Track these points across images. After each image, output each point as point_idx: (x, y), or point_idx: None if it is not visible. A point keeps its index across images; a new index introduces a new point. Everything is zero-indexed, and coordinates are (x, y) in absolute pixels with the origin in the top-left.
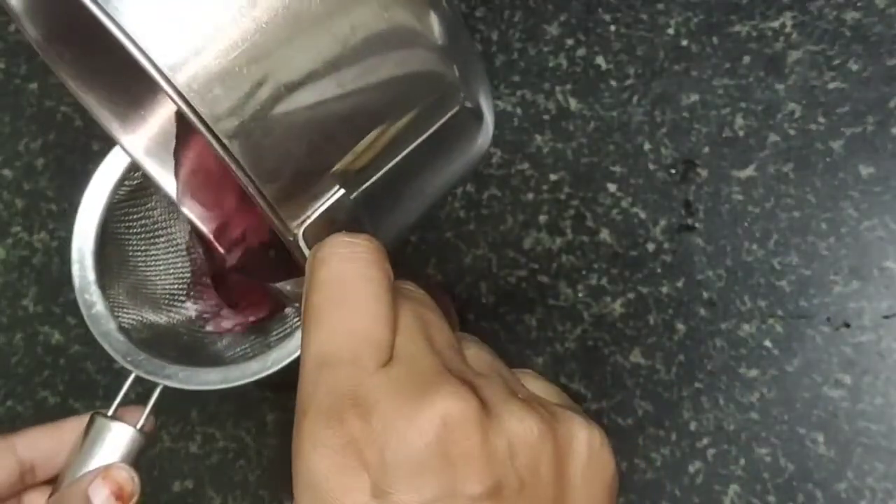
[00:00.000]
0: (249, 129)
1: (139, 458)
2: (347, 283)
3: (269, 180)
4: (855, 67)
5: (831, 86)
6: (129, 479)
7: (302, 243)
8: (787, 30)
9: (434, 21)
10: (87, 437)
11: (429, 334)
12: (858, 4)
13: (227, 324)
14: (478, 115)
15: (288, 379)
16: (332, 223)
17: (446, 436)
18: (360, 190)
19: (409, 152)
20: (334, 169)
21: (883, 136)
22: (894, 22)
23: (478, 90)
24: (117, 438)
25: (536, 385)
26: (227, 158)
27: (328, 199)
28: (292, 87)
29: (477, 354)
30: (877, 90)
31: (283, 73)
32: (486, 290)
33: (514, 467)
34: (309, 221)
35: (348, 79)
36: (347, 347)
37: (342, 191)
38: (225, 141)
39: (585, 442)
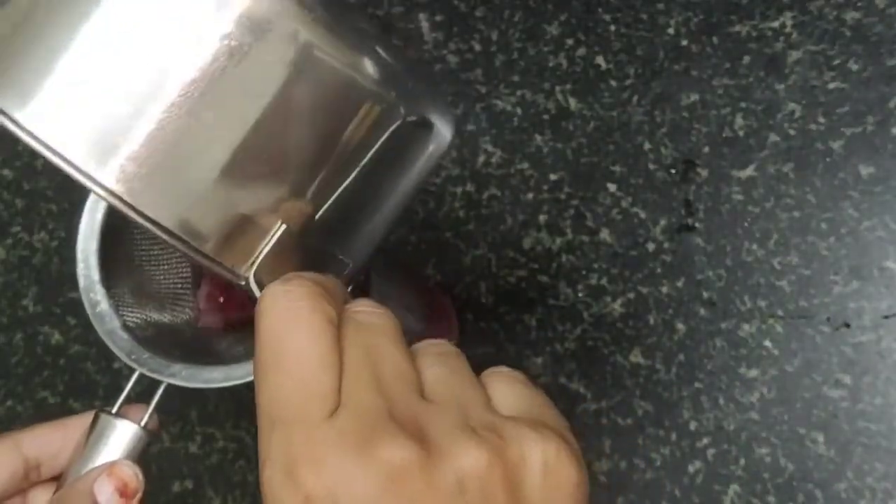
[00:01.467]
0: (175, 194)
1: (142, 456)
2: (285, 336)
3: (205, 238)
4: (855, 67)
5: (831, 86)
6: (133, 475)
7: (253, 286)
8: (787, 30)
9: (363, 64)
10: (92, 435)
11: (377, 370)
12: (858, 4)
13: (213, 320)
14: (424, 124)
15: None
16: (283, 257)
17: (392, 486)
18: (315, 217)
19: (356, 173)
20: (272, 208)
21: (883, 136)
22: (894, 22)
23: (421, 101)
24: (121, 436)
25: (503, 391)
26: (155, 229)
27: (273, 237)
28: (213, 151)
29: (435, 375)
30: (877, 90)
31: (203, 140)
32: (486, 290)
33: (466, 502)
34: (258, 262)
35: (273, 130)
36: (293, 404)
37: (284, 226)
38: (150, 213)
39: (539, 459)
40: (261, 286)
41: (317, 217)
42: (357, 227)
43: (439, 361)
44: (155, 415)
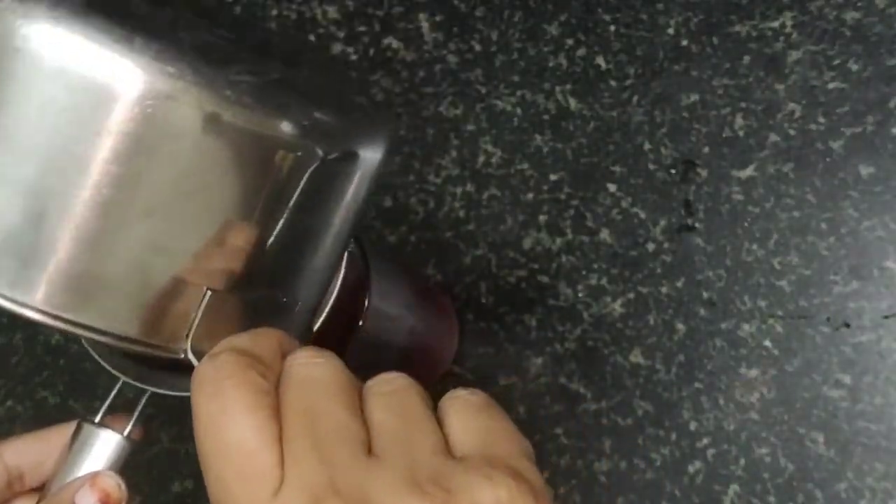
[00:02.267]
0: (88, 289)
1: (126, 465)
2: (218, 420)
3: (130, 323)
4: (855, 67)
5: (831, 86)
6: (115, 486)
7: (192, 358)
8: (787, 30)
9: (269, 120)
10: (74, 445)
11: (317, 434)
12: (858, 4)
13: None
14: (346, 156)
15: None
16: (221, 317)
17: None
18: (245, 273)
19: (281, 222)
20: (196, 276)
21: (883, 136)
22: (894, 22)
23: (341, 134)
24: (104, 446)
25: (460, 423)
26: (74, 330)
27: (201, 305)
28: (123, 235)
29: (383, 424)
30: (877, 90)
31: (111, 227)
32: (486, 290)
33: None
34: (192, 334)
35: (183, 203)
36: (235, 492)
37: (209, 293)
38: (68, 316)
39: None
40: (200, 355)
41: (247, 272)
42: (298, 269)
43: (389, 404)
44: (139, 424)
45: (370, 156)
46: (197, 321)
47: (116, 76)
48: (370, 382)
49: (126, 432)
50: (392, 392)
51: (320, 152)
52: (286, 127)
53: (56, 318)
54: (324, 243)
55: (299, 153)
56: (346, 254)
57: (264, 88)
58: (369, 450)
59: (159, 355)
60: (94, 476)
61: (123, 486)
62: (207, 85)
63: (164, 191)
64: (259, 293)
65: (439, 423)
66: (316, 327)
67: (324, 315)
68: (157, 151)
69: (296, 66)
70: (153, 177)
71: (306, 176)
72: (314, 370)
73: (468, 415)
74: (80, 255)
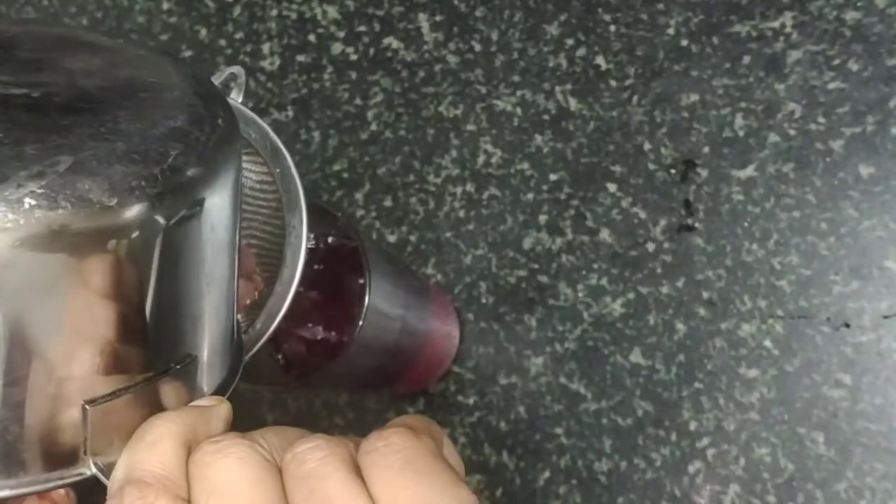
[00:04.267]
0: None
1: None
2: None
3: (23, 471)
4: (855, 67)
5: (831, 86)
6: (63, 494)
7: (98, 474)
8: (787, 30)
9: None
10: None
11: None
12: (858, 4)
13: None
14: (194, 205)
15: (286, 378)
16: (116, 417)
17: None
18: (129, 366)
19: (147, 300)
20: (66, 400)
21: (883, 136)
22: (894, 22)
23: (178, 185)
24: None
25: (386, 495)
26: None
27: (87, 422)
28: None
29: (301, 495)
30: (877, 90)
31: None
32: (486, 290)
33: None
34: (89, 450)
35: (32, 347)
36: None
37: (87, 407)
38: None
39: None
40: (109, 469)
41: (125, 366)
42: (183, 330)
43: (306, 489)
44: None
45: (217, 194)
46: (89, 439)
47: None
48: (287, 458)
49: (35, 492)
50: (310, 473)
51: (161, 220)
52: (98, 218)
53: None
54: (203, 293)
55: (133, 235)
56: (302, 250)
57: (55, 189)
58: None
59: (66, 484)
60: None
61: (72, 495)
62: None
63: (1, 329)
64: (148, 375)
65: (364, 480)
66: (272, 327)
67: (278, 318)
68: None
69: (99, 121)
70: None
71: (155, 248)
72: (219, 472)
73: (394, 481)
74: None
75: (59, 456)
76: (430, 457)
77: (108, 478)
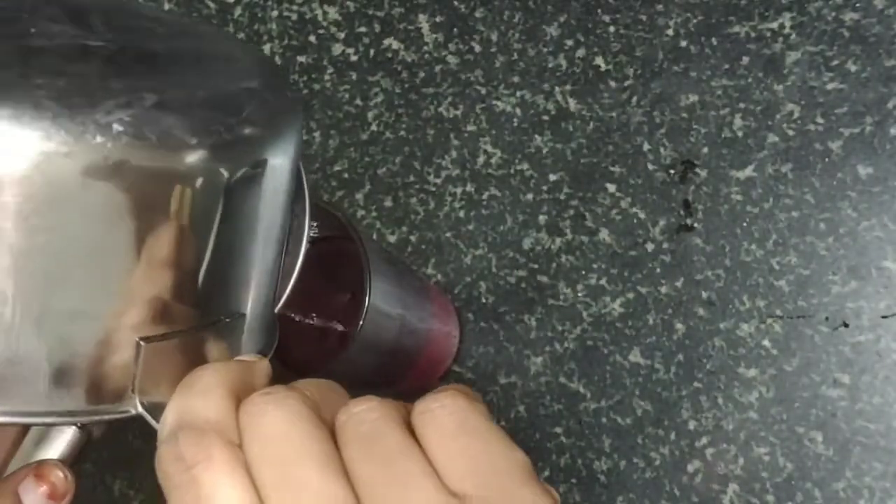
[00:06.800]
0: (14, 373)
1: (80, 455)
2: (194, 490)
3: (70, 400)
4: (853, 68)
5: (830, 86)
6: (62, 477)
7: (144, 413)
8: (786, 30)
9: (161, 153)
10: (28, 434)
11: (290, 480)
12: (857, 5)
13: None
14: (256, 165)
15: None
16: (165, 362)
17: None
18: (175, 316)
19: (203, 251)
20: (121, 333)
21: (881, 137)
22: (893, 22)
23: (249, 145)
24: (57, 435)
25: (445, 450)
26: (12, 420)
27: (139, 359)
28: (31, 309)
29: (367, 477)
30: (875, 91)
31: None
32: (486, 290)
33: None
34: (137, 389)
35: (94, 275)
36: None
37: (143, 344)
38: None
39: None
40: (154, 409)
41: (178, 311)
42: (233, 287)
43: (369, 451)
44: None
45: (279, 157)
46: (139, 376)
47: None
48: (342, 418)
49: (80, 422)
50: (368, 434)
51: (225, 172)
52: (175, 156)
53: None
54: (256, 253)
55: (200, 180)
56: (304, 239)
57: (140, 121)
58: None
59: (111, 420)
60: (37, 466)
61: (71, 477)
62: (76, 138)
63: (65, 257)
64: (198, 324)
65: (418, 441)
66: (276, 309)
67: (283, 299)
68: (45, 221)
69: (178, 73)
70: (50, 247)
71: (218, 200)
72: (272, 422)
73: (449, 441)
74: None
75: (106, 391)
76: (483, 420)
77: (153, 417)
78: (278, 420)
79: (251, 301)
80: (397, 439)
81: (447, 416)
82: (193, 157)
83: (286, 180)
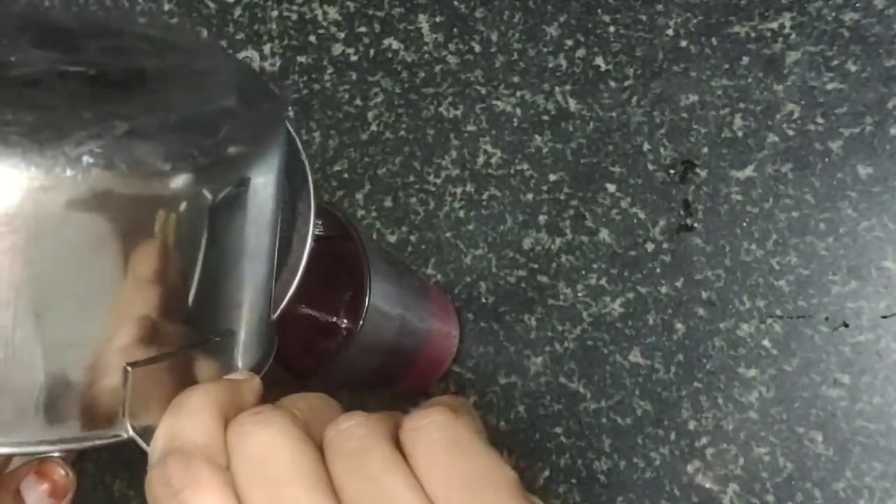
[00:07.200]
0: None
1: (81, 454)
2: None
3: (62, 428)
4: (853, 68)
5: (830, 86)
6: (63, 475)
7: (135, 436)
8: (786, 31)
9: (142, 181)
10: None
11: (278, 501)
12: (857, 5)
13: None
14: (240, 184)
15: (286, 376)
16: (157, 384)
17: None
18: (162, 342)
19: (190, 271)
20: (109, 361)
21: (881, 137)
22: (893, 22)
23: (227, 162)
24: None
25: (433, 473)
26: (3, 451)
27: (128, 384)
28: (26, 347)
29: (354, 496)
30: (875, 91)
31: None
32: (486, 290)
33: None
34: (127, 413)
35: (79, 303)
36: None
37: (129, 369)
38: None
39: None
40: (145, 433)
41: (166, 333)
42: (223, 305)
43: (356, 469)
44: None
45: (262, 174)
46: (128, 401)
47: None
48: (329, 434)
49: (72, 449)
50: (354, 450)
51: (208, 195)
52: (153, 184)
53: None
54: (244, 270)
55: (183, 205)
56: (307, 245)
57: (111, 150)
58: None
59: (102, 445)
60: (39, 464)
61: (72, 475)
62: (47, 172)
63: (54, 289)
64: (187, 343)
65: (405, 456)
66: (274, 316)
67: (283, 304)
68: (25, 255)
69: (154, 96)
70: (32, 278)
71: (202, 222)
72: (259, 443)
73: (438, 458)
74: None
75: (98, 417)
76: (473, 436)
77: (144, 440)
78: (266, 440)
79: (244, 317)
80: (384, 455)
81: (436, 431)
82: (173, 182)
83: (271, 196)
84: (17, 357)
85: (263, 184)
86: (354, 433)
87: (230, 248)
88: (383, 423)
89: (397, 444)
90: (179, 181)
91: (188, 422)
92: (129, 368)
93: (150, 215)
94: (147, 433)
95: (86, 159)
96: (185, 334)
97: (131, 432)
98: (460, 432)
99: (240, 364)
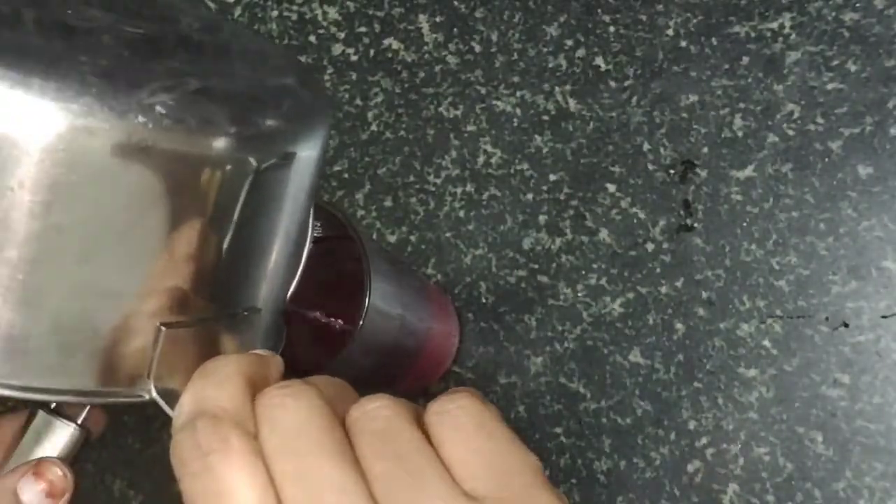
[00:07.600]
0: (36, 348)
1: (79, 454)
2: (212, 497)
3: (86, 379)
4: (853, 68)
5: (830, 86)
6: (61, 475)
7: (157, 398)
8: (786, 31)
9: (192, 139)
10: (27, 432)
11: (307, 473)
12: (857, 5)
13: None
14: (284, 158)
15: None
16: (182, 349)
17: None
18: (195, 304)
19: (227, 238)
20: (143, 316)
21: (881, 137)
22: (893, 22)
23: (276, 137)
24: (57, 433)
25: (459, 451)
26: (25, 396)
27: (158, 343)
28: (58, 288)
29: (380, 473)
30: (875, 91)
31: (45, 282)
32: (486, 290)
33: None
34: (153, 373)
35: (121, 253)
36: None
37: (163, 329)
38: (15, 383)
39: None
40: (168, 396)
41: (199, 297)
42: (253, 279)
43: (381, 448)
44: (98, 410)
45: (308, 153)
46: (156, 361)
47: (18, 126)
48: (354, 414)
49: (80, 420)
50: (381, 431)
51: (254, 162)
52: (211, 143)
53: (2, 386)
54: (275, 247)
55: (230, 168)
56: (309, 231)
57: (182, 105)
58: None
59: (123, 402)
60: (36, 464)
61: (70, 475)
62: (118, 116)
63: (93, 233)
64: (216, 314)
65: (430, 440)
66: (287, 295)
67: (293, 286)
68: (78, 195)
69: (216, 62)
70: (79, 222)
71: (244, 189)
72: (290, 415)
73: (465, 442)
74: (18, 318)
75: (119, 374)
76: (499, 422)
77: (167, 404)
78: (296, 413)
79: (269, 295)
80: (410, 437)
81: (464, 416)
82: (226, 144)
83: (311, 176)
84: (47, 294)
85: (307, 161)
86: (380, 413)
87: (266, 221)
88: (407, 407)
89: (422, 430)
90: (233, 143)
91: (217, 387)
92: (162, 328)
93: (196, 174)
94: (170, 397)
95: (158, 109)
96: (214, 304)
97: (154, 394)
98: (486, 417)
99: (258, 344)
